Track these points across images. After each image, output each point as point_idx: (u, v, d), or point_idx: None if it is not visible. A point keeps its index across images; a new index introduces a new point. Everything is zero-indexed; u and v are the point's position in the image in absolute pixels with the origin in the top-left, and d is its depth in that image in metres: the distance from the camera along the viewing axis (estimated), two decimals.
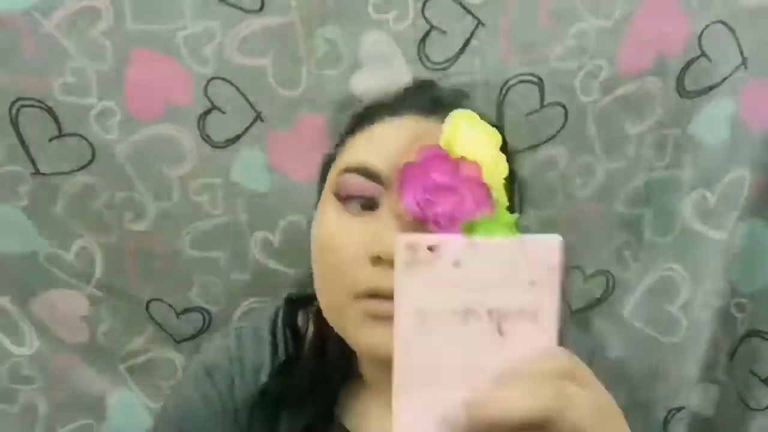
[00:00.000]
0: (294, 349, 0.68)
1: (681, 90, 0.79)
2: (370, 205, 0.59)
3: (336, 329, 0.61)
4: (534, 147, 0.80)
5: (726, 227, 0.80)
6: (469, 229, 0.48)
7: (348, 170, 0.60)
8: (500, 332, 0.39)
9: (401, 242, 0.40)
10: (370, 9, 0.75)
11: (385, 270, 0.55)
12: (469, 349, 0.39)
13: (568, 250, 0.87)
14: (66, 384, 0.84)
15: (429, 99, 0.65)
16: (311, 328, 0.68)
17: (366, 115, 0.67)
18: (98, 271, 0.81)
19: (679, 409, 0.84)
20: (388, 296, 0.51)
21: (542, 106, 0.78)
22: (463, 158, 0.52)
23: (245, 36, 0.74)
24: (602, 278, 0.86)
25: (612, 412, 0.40)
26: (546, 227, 0.83)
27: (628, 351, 0.86)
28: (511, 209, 0.58)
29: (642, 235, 0.84)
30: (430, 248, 0.40)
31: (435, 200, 0.51)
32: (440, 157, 0.51)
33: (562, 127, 0.79)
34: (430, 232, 0.49)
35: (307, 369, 0.66)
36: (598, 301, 0.87)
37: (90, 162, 0.77)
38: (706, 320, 0.82)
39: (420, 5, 0.75)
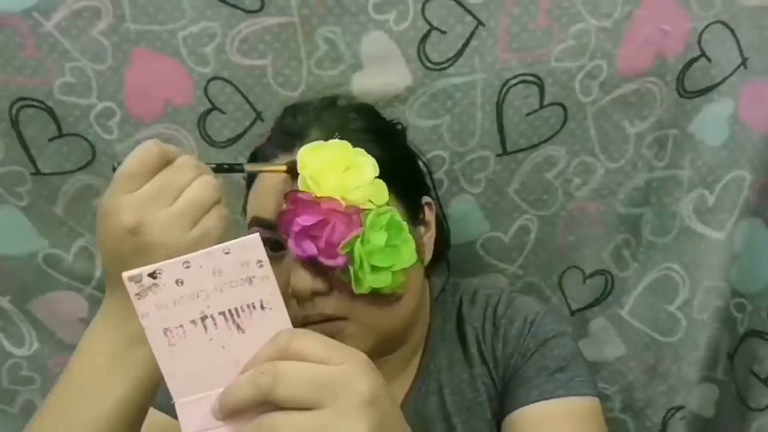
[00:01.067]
0: None
1: (681, 90, 0.79)
2: (280, 249, 0.64)
3: None
4: (534, 147, 0.80)
5: (725, 227, 0.81)
6: (349, 248, 0.61)
7: (252, 224, 0.66)
8: (240, 329, 0.43)
9: (125, 278, 0.42)
10: (370, 9, 0.75)
11: (307, 303, 0.63)
12: (220, 350, 0.43)
13: (568, 250, 0.88)
14: None
15: (285, 134, 0.68)
16: None
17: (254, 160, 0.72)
18: (98, 271, 0.81)
19: (678, 409, 0.84)
20: (317, 321, 0.64)
21: (542, 106, 0.78)
22: (320, 197, 0.61)
23: (245, 36, 0.74)
24: (602, 278, 0.86)
25: (338, 385, 0.41)
26: (546, 227, 0.83)
27: (628, 351, 0.87)
28: (417, 186, 0.71)
29: (641, 235, 0.85)
30: (151, 275, 0.42)
31: (311, 237, 0.61)
32: (302, 201, 0.61)
33: (561, 127, 0.79)
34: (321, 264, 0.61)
35: None
36: (598, 301, 0.87)
37: (90, 162, 0.77)
38: (706, 320, 0.82)
39: (420, 5, 0.75)
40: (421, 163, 0.76)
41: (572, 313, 0.87)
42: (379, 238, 0.62)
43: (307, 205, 0.61)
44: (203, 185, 0.53)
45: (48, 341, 0.83)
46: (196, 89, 0.76)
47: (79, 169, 0.77)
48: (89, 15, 0.72)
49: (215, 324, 0.43)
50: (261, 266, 0.43)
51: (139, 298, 0.42)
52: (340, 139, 0.64)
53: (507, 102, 0.78)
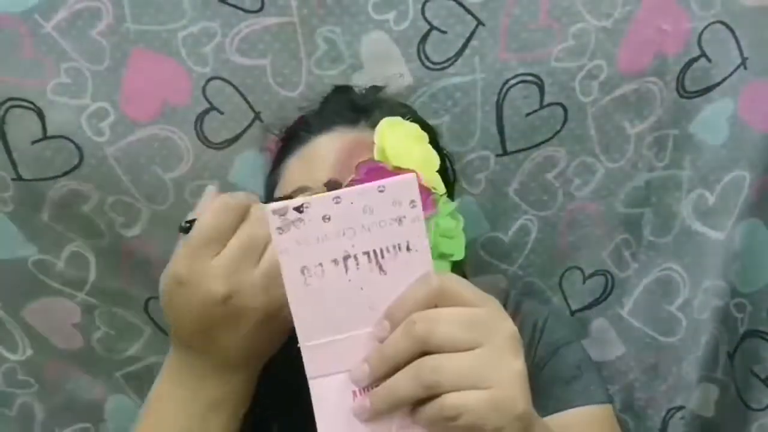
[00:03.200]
0: None
1: (681, 90, 0.79)
2: None
3: None
4: (534, 147, 0.80)
5: (725, 227, 0.80)
6: None
7: (293, 195, 0.59)
8: (382, 270, 0.43)
9: (269, 210, 0.42)
10: (370, 9, 0.75)
11: None
12: (357, 292, 0.43)
13: (569, 251, 0.88)
14: (62, 389, 0.83)
15: (351, 108, 0.67)
16: None
17: (294, 137, 0.68)
18: (92, 276, 0.80)
19: (678, 409, 0.84)
20: None
21: (542, 106, 0.78)
22: (398, 168, 0.56)
23: (245, 36, 0.74)
24: (602, 278, 0.86)
25: (489, 325, 0.42)
26: (546, 227, 0.83)
27: (628, 351, 0.87)
28: (449, 188, 0.66)
29: (641, 235, 0.85)
30: (297, 209, 0.42)
31: None
32: (378, 170, 0.55)
33: (561, 127, 0.79)
34: None
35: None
36: (598, 301, 0.87)
37: (76, 166, 0.74)
38: (706, 320, 0.82)
39: (420, 5, 0.75)
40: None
41: (572, 313, 0.87)
42: (448, 224, 0.59)
43: (383, 176, 0.55)
44: None
45: (41, 348, 0.82)
46: (194, 89, 0.75)
47: (64, 174, 0.74)
48: (89, 15, 0.72)
49: (357, 264, 0.42)
50: (413, 206, 0.42)
51: (280, 233, 0.42)
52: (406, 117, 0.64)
53: (507, 102, 0.78)
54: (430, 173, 0.60)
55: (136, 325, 0.82)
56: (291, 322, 0.44)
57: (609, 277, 0.86)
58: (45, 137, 0.73)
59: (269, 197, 0.65)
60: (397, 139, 0.60)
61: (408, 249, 0.42)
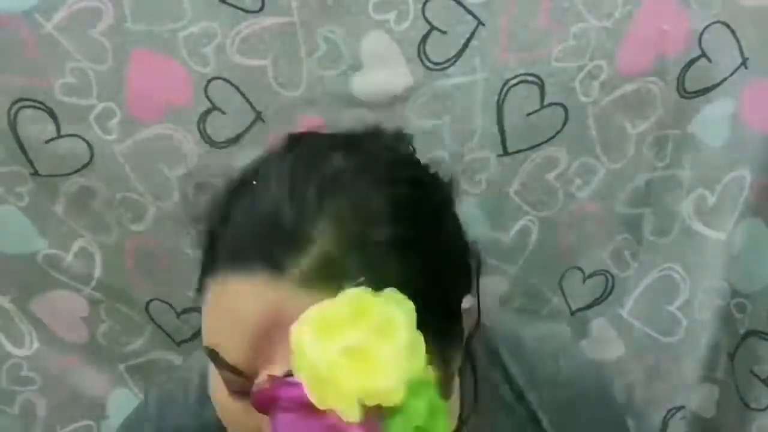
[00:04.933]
0: None
1: (681, 90, 0.79)
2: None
3: None
4: (534, 147, 0.80)
5: (726, 227, 0.80)
6: None
7: (209, 355, 0.47)
8: None
9: None
10: (370, 9, 0.75)
11: None
12: None
13: (569, 251, 0.88)
14: (66, 385, 0.83)
15: (278, 238, 0.44)
16: None
17: (212, 249, 0.48)
18: (98, 272, 0.80)
19: (678, 409, 0.84)
20: None
21: (542, 106, 0.78)
22: (324, 412, 0.38)
23: (246, 36, 0.74)
24: (602, 278, 0.86)
25: None
26: (546, 227, 0.83)
27: (628, 351, 0.87)
28: (458, 295, 0.49)
29: (642, 235, 0.85)
30: None
31: None
32: (296, 402, 0.39)
33: (562, 128, 0.79)
34: None
35: None
36: (598, 301, 0.87)
37: (87, 164, 0.76)
38: (706, 320, 0.82)
39: (420, 5, 0.75)
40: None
41: (572, 313, 0.87)
42: None
43: (303, 410, 0.39)
44: None
45: (48, 340, 0.83)
46: (196, 89, 0.75)
47: (76, 171, 0.76)
48: (90, 15, 0.72)
49: None
50: None
51: None
52: (359, 281, 0.41)
53: (507, 102, 0.78)
54: (375, 397, 0.39)
55: (138, 322, 0.83)
56: None
57: (609, 277, 0.86)
58: (59, 136, 0.75)
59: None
60: (320, 358, 0.38)
61: None
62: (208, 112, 0.76)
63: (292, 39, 0.75)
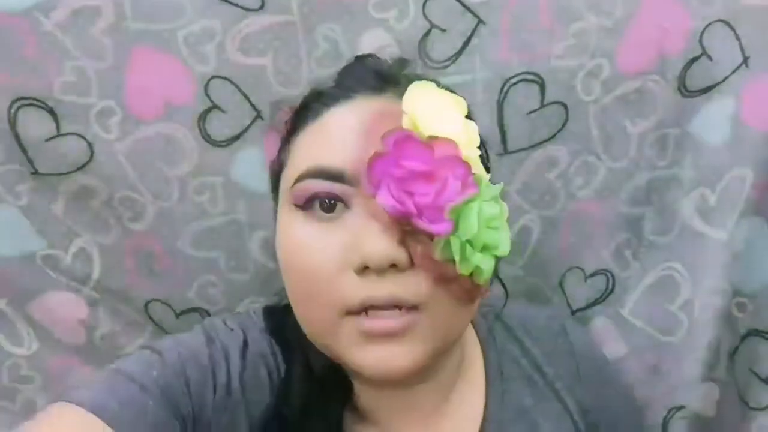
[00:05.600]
0: (287, 368, 0.60)
1: (682, 89, 0.79)
2: (336, 207, 0.52)
3: (324, 350, 0.56)
4: (534, 146, 0.80)
5: (727, 226, 0.80)
6: (457, 213, 0.46)
7: (306, 176, 0.53)
8: None
9: None
10: (370, 8, 0.75)
11: (375, 279, 0.50)
12: None
13: (570, 250, 0.88)
14: (66, 384, 0.83)
15: (375, 74, 0.58)
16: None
17: (308, 107, 0.58)
18: (96, 272, 0.80)
19: (679, 409, 0.84)
20: (383, 306, 0.49)
21: (543, 105, 0.78)
22: (434, 138, 0.47)
23: (246, 35, 0.74)
24: (602, 277, 0.86)
25: None
26: (547, 227, 0.83)
27: (629, 350, 0.86)
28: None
29: (642, 234, 0.84)
30: None
31: (413, 190, 0.46)
32: (409, 140, 0.46)
33: (562, 127, 0.79)
34: (412, 226, 0.47)
35: (299, 397, 0.58)
36: (599, 301, 0.87)
37: (87, 162, 0.76)
38: (707, 320, 0.82)
39: (420, 4, 0.75)
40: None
41: (573, 312, 0.87)
42: (492, 211, 0.49)
43: (415, 148, 0.47)
44: None
45: (47, 341, 0.82)
46: (197, 88, 0.75)
47: (76, 169, 0.76)
48: (90, 13, 0.72)
49: None
50: None
51: None
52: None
53: (508, 101, 0.78)
54: (470, 149, 0.50)
55: (137, 322, 0.83)
56: None
57: (610, 276, 0.85)
58: (59, 134, 0.75)
59: (276, 182, 0.58)
60: (431, 105, 0.50)
61: None
62: (208, 110, 0.76)
63: (292, 37, 0.75)
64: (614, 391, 0.75)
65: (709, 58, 0.78)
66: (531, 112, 0.78)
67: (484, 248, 0.49)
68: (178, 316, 0.82)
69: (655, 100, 0.79)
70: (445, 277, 0.50)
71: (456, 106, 0.52)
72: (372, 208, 0.50)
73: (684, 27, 0.77)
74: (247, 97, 0.76)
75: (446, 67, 0.77)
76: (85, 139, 0.75)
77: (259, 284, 0.81)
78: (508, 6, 0.76)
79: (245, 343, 0.60)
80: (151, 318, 0.82)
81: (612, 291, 0.86)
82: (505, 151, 0.80)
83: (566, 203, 0.82)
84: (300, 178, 0.53)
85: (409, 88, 0.52)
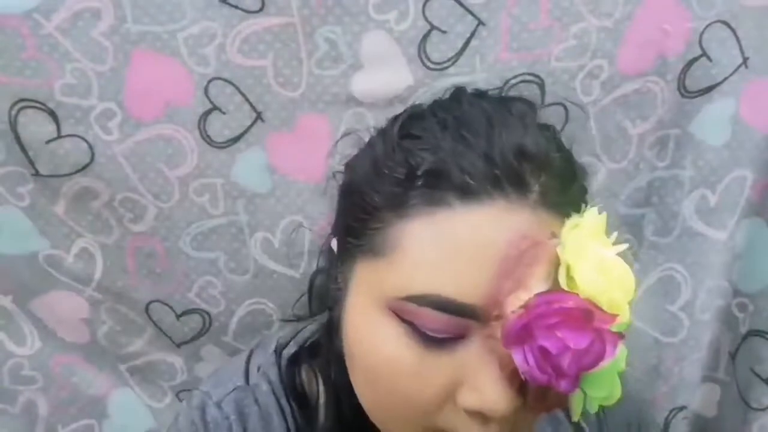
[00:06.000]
0: (305, 421, 0.57)
1: (682, 90, 0.79)
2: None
3: (380, 426, 0.52)
4: None
5: (727, 227, 0.80)
6: (588, 379, 0.42)
7: (425, 302, 0.44)
8: None
9: None
10: (370, 9, 0.75)
11: (482, 418, 0.45)
12: None
13: None
14: (67, 384, 0.83)
15: (519, 165, 0.46)
16: (315, 386, 0.60)
17: (420, 186, 0.47)
18: (98, 273, 0.80)
19: (680, 409, 0.84)
20: None
21: (542, 106, 0.78)
22: (597, 309, 0.41)
23: (246, 36, 0.74)
24: None
25: None
26: None
27: (629, 351, 0.86)
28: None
29: (643, 235, 0.84)
30: None
31: (555, 358, 0.42)
32: (568, 314, 0.39)
33: (562, 128, 0.79)
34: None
35: None
36: None
37: (88, 164, 0.76)
38: (708, 320, 0.82)
39: (420, 5, 0.75)
40: None
41: None
42: (621, 363, 0.46)
43: (574, 320, 0.41)
44: None
45: (49, 340, 0.83)
46: (197, 89, 0.76)
47: (77, 171, 0.76)
48: (90, 16, 0.72)
49: None
50: None
51: None
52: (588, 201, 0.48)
53: None
54: (620, 303, 0.46)
55: (138, 323, 0.83)
56: None
57: None
58: (59, 136, 0.75)
59: (351, 227, 0.52)
60: (588, 255, 0.43)
61: None
62: (208, 112, 0.76)
63: (292, 39, 0.75)
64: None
65: (709, 58, 0.78)
66: None
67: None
68: (178, 317, 0.82)
69: (655, 101, 0.79)
70: (548, 410, 0.48)
71: (602, 239, 0.46)
72: (492, 344, 0.45)
73: (684, 28, 0.77)
74: (247, 99, 0.76)
75: (446, 68, 0.77)
76: (85, 140, 0.75)
77: (259, 285, 0.81)
78: (508, 7, 0.76)
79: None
80: (151, 319, 0.82)
81: None
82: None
83: None
84: (416, 300, 0.45)
85: (563, 233, 0.45)
